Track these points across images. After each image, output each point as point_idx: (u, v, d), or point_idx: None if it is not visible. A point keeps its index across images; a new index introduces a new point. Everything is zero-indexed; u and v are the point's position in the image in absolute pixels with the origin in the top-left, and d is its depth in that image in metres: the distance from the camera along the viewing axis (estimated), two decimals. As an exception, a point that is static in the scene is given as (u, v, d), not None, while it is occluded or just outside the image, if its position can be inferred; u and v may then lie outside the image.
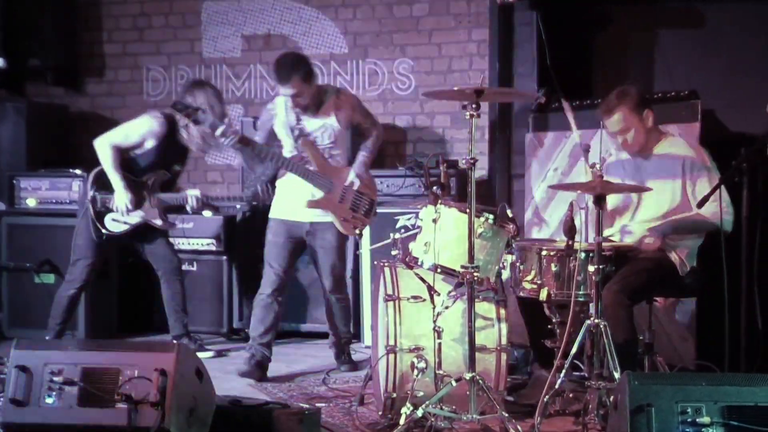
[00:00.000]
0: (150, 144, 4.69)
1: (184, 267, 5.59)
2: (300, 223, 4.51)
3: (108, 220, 4.69)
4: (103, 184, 4.67)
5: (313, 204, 4.43)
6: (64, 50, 6.20)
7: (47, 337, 4.68)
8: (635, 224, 3.89)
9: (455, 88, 3.44)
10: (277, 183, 4.58)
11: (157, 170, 4.73)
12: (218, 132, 4.36)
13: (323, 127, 4.45)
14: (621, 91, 3.85)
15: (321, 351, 5.01)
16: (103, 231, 4.68)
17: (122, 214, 4.67)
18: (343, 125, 4.50)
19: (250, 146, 4.38)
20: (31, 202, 5.52)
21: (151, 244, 4.87)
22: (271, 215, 4.60)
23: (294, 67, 4.32)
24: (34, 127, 5.85)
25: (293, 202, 4.47)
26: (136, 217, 4.72)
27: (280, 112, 4.49)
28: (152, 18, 6.27)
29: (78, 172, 5.46)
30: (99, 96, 6.36)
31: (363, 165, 4.50)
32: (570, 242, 3.51)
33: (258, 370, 4.49)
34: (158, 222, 4.78)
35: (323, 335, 4.98)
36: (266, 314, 4.53)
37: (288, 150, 4.50)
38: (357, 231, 4.44)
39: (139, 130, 4.68)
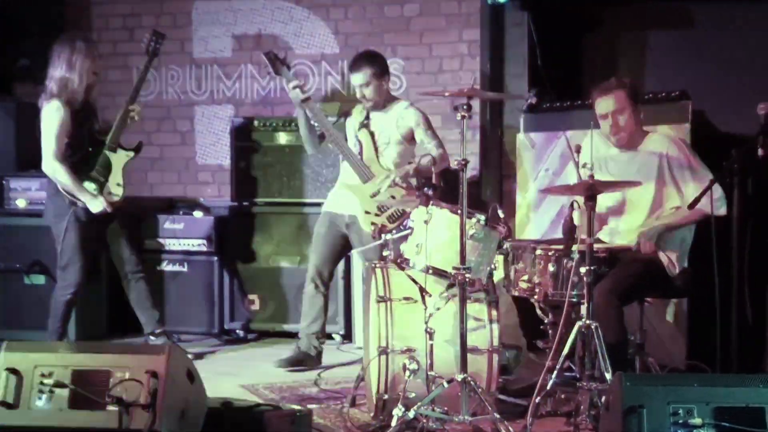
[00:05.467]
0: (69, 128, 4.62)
1: (176, 268, 5.60)
2: (341, 215, 4.65)
3: (106, 194, 4.66)
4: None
5: (346, 187, 4.60)
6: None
7: (49, 340, 4.65)
8: (623, 225, 3.90)
9: (446, 94, 3.46)
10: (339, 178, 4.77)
11: (83, 148, 4.67)
12: (291, 84, 4.58)
13: (382, 128, 4.61)
14: (620, 79, 3.93)
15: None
16: (114, 204, 4.66)
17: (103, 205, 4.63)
18: (403, 135, 4.61)
19: (310, 107, 4.60)
20: (20, 203, 5.48)
21: (114, 244, 4.82)
22: (322, 209, 4.79)
23: (368, 59, 4.60)
24: (24, 127, 5.80)
25: (341, 194, 4.66)
26: (118, 170, 4.71)
27: (355, 113, 4.72)
28: (142, 18, 6.23)
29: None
30: (89, 96, 6.32)
31: (404, 170, 4.51)
32: (569, 242, 3.52)
33: (302, 359, 4.68)
34: (126, 154, 4.75)
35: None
36: (311, 306, 4.71)
37: (351, 145, 4.67)
38: (372, 227, 4.45)
39: (55, 122, 4.56)
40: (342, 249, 4.77)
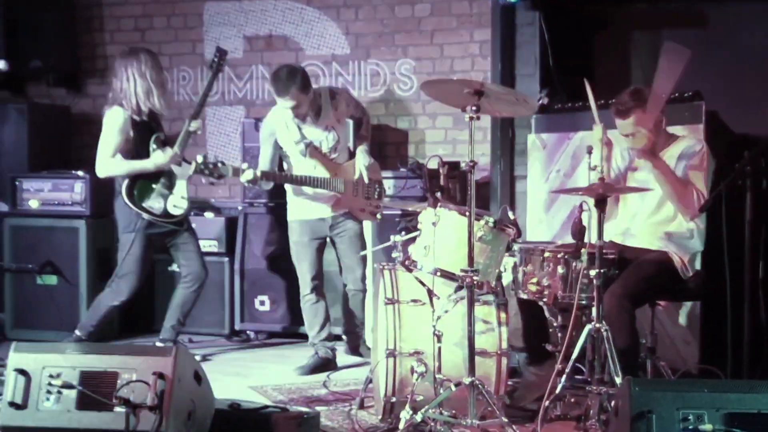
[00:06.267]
0: (130, 134, 4.63)
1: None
2: (322, 220, 4.68)
3: (171, 207, 4.70)
4: (138, 193, 4.64)
5: (336, 207, 4.64)
6: (65, 51, 6.18)
7: (77, 333, 4.73)
8: (636, 228, 3.87)
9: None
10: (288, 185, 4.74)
11: (148, 148, 4.67)
12: (243, 179, 4.50)
13: (325, 132, 4.63)
14: (635, 92, 3.78)
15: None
16: (177, 217, 4.70)
17: (178, 165, 4.69)
18: (342, 123, 4.72)
19: (261, 182, 4.60)
20: (33, 204, 5.51)
21: (186, 253, 4.86)
22: (290, 218, 4.75)
23: (290, 79, 4.46)
24: (36, 128, 5.85)
25: (310, 200, 4.65)
26: (183, 183, 4.74)
27: (280, 129, 4.63)
28: (154, 19, 6.25)
29: (80, 173, 5.46)
30: (100, 97, 6.24)
31: (366, 155, 4.67)
32: (579, 244, 3.49)
33: (324, 364, 4.68)
34: (190, 167, 4.69)
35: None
36: (315, 314, 4.74)
37: (295, 160, 4.64)
38: (377, 216, 4.67)
39: (114, 126, 4.58)
40: (323, 251, 4.81)
